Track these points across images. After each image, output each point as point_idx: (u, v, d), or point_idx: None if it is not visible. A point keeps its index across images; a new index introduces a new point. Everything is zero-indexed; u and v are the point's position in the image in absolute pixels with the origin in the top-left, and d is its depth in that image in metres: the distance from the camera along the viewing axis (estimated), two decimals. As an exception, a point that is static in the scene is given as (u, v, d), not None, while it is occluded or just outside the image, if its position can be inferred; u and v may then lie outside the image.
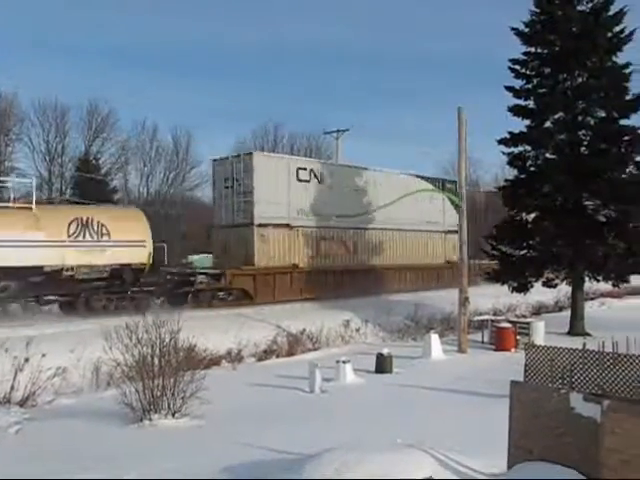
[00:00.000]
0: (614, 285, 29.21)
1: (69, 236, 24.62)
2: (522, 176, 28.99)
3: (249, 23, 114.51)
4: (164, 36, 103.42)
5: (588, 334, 26.29)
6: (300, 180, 33.72)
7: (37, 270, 23.62)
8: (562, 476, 8.11)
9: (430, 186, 38.84)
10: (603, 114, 27.97)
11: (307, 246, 33.86)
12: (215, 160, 35.05)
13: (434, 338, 23.21)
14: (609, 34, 27.72)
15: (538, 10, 28.33)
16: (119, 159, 63.80)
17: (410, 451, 8.97)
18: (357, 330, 26.82)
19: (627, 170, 27.57)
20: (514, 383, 9.28)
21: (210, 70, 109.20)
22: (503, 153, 29.03)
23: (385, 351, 20.67)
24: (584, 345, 18.37)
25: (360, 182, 37.08)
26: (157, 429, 13.82)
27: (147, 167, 66.20)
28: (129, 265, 26.34)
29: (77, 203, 25.73)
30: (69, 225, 24.70)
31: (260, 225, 31.62)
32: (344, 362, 18.93)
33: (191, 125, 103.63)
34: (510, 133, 28.49)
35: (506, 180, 31.53)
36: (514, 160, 28.98)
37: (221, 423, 14.01)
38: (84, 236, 24.97)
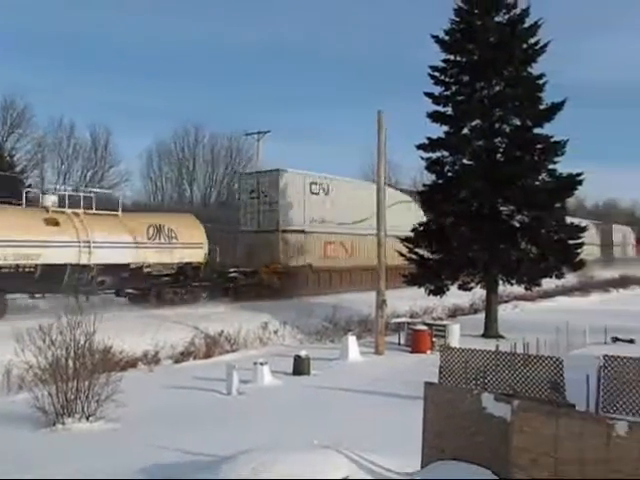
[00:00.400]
0: (527, 288, 30.13)
1: (148, 239, 28.91)
2: (440, 181, 29.51)
3: (172, 20, 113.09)
4: (83, 31, 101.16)
5: (501, 336, 26.98)
6: (312, 193, 39.32)
7: (125, 267, 27.96)
8: (473, 475, 8.33)
9: (408, 197, 44.02)
10: (518, 122, 28.78)
11: (317, 248, 39.29)
12: (242, 174, 43.25)
13: (351, 340, 23.41)
14: (524, 45, 28.58)
15: (458, 19, 28.97)
16: (35, 156, 61.96)
17: (326, 452, 9.05)
18: (275, 332, 26.81)
19: (540, 177, 28.39)
20: (428, 384, 9.47)
21: (131, 68, 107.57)
22: (422, 158, 29.57)
23: (303, 353, 20.74)
24: (497, 347, 18.90)
25: (355, 194, 41.02)
26: (70, 433, 13.52)
27: (64, 165, 64.56)
28: (190, 264, 30.92)
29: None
30: (147, 229, 29.03)
31: (284, 231, 36.99)
32: (261, 364, 18.92)
33: (110, 123, 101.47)
34: (429, 139, 28.90)
35: (424, 185, 32.10)
36: (432, 165, 29.49)
37: (136, 426, 13.80)
38: (159, 239, 29.38)
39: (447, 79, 29.14)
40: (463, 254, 27.66)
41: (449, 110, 29.09)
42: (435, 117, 28.89)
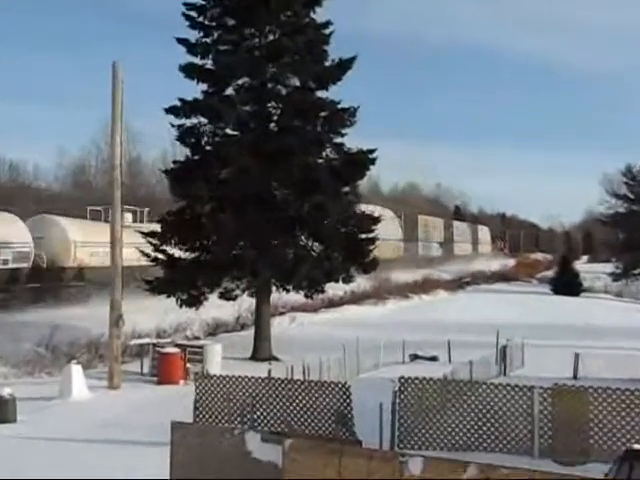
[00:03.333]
0: (307, 296, 30.92)
1: None
2: (196, 157, 29.48)
3: None
4: None
5: (276, 358, 27.63)
6: None
7: None
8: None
9: None
10: (297, 82, 29.48)
11: None
12: None
13: (76, 371, 22.85)
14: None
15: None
16: None
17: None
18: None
19: (324, 154, 29.34)
20: (176, 425, 9.56)
21: None
22: (172, 125, 29.22)
23: (5, 392, 19.97)
24: (269, 372, 19.41)
25: None
26: None
27: None
28: None
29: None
30: None
31: None
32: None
33: None
34: (181, 100, 28.69)
35: (175, 162, 31.86)
36: (186, 135, 29.31)
37: None
38: None
39: (207, 22, 29.18)
40: (225, 252, 27.95)
41: (209, 63, 29.18)
42: (190, 71, 28.86)
